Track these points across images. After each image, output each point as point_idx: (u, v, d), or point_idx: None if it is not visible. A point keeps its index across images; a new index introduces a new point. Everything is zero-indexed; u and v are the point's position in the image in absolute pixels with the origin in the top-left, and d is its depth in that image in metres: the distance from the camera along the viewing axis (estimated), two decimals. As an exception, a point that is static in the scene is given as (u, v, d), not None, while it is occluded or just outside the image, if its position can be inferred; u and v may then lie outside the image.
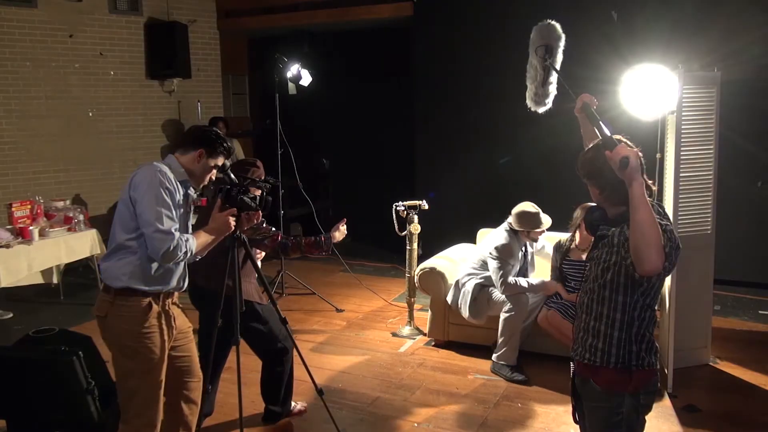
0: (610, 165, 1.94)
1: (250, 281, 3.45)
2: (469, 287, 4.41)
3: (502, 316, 4.23)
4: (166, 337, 2.62)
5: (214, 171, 2.74)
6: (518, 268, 4.35)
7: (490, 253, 4.28)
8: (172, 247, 2.45)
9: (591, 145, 2.20)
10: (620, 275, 2.05)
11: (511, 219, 4.32)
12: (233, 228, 2.77)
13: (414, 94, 7.35)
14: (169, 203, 2.50)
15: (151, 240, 2.47)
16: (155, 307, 2.59)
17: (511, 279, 4.23)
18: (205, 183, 2.76)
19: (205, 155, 2.66)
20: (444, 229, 6.13)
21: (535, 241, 4.40)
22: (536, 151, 6.23)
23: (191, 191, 2.71)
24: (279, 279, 6.09)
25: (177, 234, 2.49)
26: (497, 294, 4.30)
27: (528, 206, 4.29)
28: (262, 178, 3.54)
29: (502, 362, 4.24)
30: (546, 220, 4.29)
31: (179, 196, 2.59)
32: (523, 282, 4.26)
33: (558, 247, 4.38)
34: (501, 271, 4.22)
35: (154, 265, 2.56)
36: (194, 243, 2.58)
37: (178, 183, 2.59)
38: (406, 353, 4.68)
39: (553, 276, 4.40)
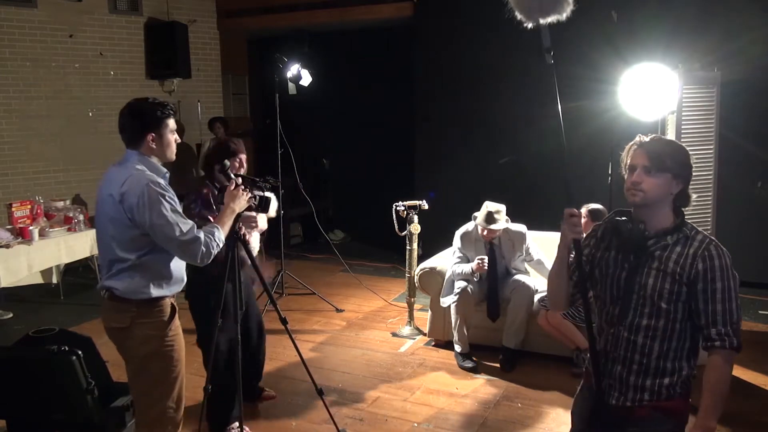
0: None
1: None
2: (448, 270, 4.60)
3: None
4: (182, 338, 2.63)
5: (174, 134, 2.56)
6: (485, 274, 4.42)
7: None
8: (204, 248, 2.42)
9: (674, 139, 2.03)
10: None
11: None
12: (246, 200, 2.69)
13: (414, 94, 7.35)
14: (175, 207, 2.42)
15: (182, 253, 2.43)
16: (176, 308, 2.59)
17: (457, 267, 4.46)
18: (174, 151, 2.57)
19: (156, 136, 2.48)
20: (444, 229, 6.13)
21: (485, 237, 4.39)
22: (536, 151, 6.23)
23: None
24: (279, 279, 6.09)
25: (201, 233, 2.43)
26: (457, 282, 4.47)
27: (491, 204, 4.38)
28: (242, 153, 3.45)
29: (455, 348, 4.46)
30: (488, 223, 4.29)
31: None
32: (461, 269, 4.44)
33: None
34: (455, 259, 4.48)
35: (172, 270, 2.52)
36: (221, 232, 2.54)
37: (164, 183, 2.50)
38: (406, 353, 4.68)
39: None
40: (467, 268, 4.41)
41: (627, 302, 1.95)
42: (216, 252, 2.49)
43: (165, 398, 2.57)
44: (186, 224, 2.41)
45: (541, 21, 1.86)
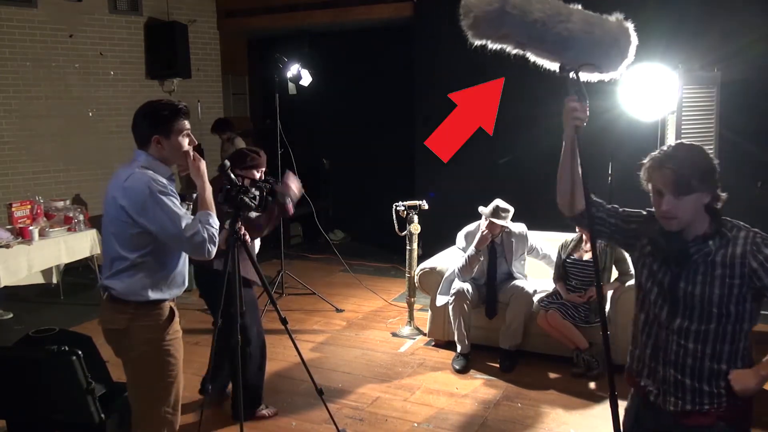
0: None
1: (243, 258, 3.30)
2: (449, 271, 4.63)
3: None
4: (181, 341, 2.61)
5: (187, 139, 2.48)
6: (485, 265, 4.46)
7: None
8: (207, 239, 2.38)
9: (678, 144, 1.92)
10: (745, 302, 1.84)
11: None
12: (193, 158, 2.51)
13: (414, 94, 7.35)
14: (176, 203, 2.39)
15: (189, 250, 2.41)
16: (175, 312, 2.56)
17: (459, 261, 4.46)
18: (188, 159, 2.51)
19: (162, 138, 2.43)
20: (444, 229, 6.13)
21: (491, 232, 4.33)
22: (536, 150, 6.22)
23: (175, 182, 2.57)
24: (279, 279, 6.09)
25: (198, 226, 2.38)
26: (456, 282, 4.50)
27: (501, 202, 4.38)
28: (262, 167, 3.51)
29: (457, 348, 4.45)
30: (493, 217, 4.27)
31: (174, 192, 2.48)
32: (465, 255, 4.41)
33: (563, 245, 4.38)
34: (461, 258, 4.44)
35: (172, 273, 2.50)
36: (211, 215, 2.47)
37: (168, 183, 2.46)
38: (406, 353, 4.68)
39: (556, 273, 4.40)
40: (471, 249, 4.35)
41: (674, 307, 1.91)
42: (217, 233, 2.44)
43: (162, 401, 2.55)
44: (185, 221, 2.37)
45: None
